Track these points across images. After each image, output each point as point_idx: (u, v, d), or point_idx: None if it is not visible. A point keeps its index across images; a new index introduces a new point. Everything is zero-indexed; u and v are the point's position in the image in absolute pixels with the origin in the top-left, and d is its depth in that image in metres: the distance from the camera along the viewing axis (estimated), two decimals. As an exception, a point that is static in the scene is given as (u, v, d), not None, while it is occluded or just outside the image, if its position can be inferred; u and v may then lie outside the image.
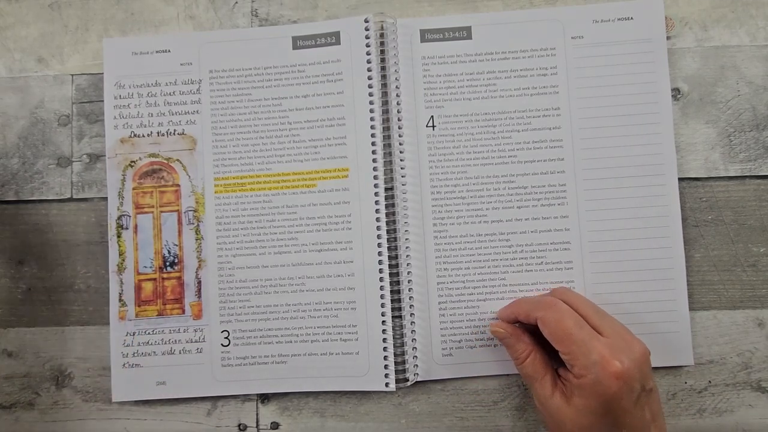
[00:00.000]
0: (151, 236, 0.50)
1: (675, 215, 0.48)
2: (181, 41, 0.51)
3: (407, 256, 0.48)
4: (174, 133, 0.50)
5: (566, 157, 0.49)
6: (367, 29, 0.50)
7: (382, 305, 0.48)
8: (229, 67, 0.51)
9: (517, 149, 0.49)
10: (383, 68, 0.50)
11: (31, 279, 0.50)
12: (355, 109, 0.50)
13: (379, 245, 0.48)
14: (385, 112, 0.50)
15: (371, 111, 0.50)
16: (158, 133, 0.50)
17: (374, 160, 0.49)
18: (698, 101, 0.50)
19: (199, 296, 0.49)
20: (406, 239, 0.48)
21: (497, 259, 0.49)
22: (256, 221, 0.49)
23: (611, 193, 0.49)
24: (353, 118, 0.50)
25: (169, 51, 0.51)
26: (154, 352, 0.49)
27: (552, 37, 0.50)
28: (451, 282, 0.48)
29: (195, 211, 0.50)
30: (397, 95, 0.50)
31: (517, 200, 0.49)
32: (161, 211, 0.50)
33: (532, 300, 0.45)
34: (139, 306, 0.49)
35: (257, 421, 0.49)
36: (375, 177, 0.49)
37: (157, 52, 0.51)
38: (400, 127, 0.49)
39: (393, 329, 0.48)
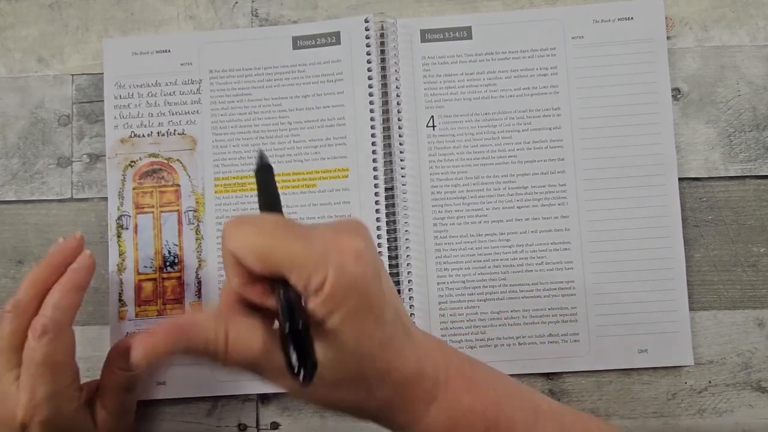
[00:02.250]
0: (151, 236, 0.50)
1: (675, 215, 0.48)
2: (181, 41, 0.51)
3: (407, 256, 0.48)
4: (174, 133, 0.50)
5: (566, 157, 0.49)
6: (367, 29, 0.50)
7: (382, 305, 0.48)
8: (229, 67, 0.51)
9: (517, 149, 0.49)
10: (383, 68, 0.50)
11: (31, 279, 0.50)
12: (355, 109, 0.50)
13: (379, 245, 0.48)
14: (385, 112, 0.50)
15: (371, 111, 0.50)
16: (158, 133, 0.50)
17: (374, 160, 0.49)
18: (698, 101, 0.50)
19: (200, 296, 0.49)
20: (406, 239, 0.48)
21: (497, 259, 0.49)
22: (256, 221, 0.49)
23: (611, 193, 0.49)
24: (353, 118, 0.50)
25: (169, 51, 0.51)
26: (154, 352, 0.49)
27: (552, 37, 0.50)
28: (451, 282, 0.48)
29: (195, 211, 0.50)
30: (397, 95, 0.50)
31: (517, 200, 0.49)
32: (161, 211, 0.50)
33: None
34: (139, 306, 0.49)
35: (257, 421, 0.49)
36: (375, 177, 0.49)
37: (157, 52, 0.51)
38: (400, 127, 0.49)
39: (393, 329, 0.48)
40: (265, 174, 0.34)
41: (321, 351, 0.29)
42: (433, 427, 0.32)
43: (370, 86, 0.50)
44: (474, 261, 0.49)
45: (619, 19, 0.50)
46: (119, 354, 0.42)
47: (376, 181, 0.49)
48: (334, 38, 0.50)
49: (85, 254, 0.41)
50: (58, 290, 0.38)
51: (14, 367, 0.37)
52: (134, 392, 0.43)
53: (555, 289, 0.48)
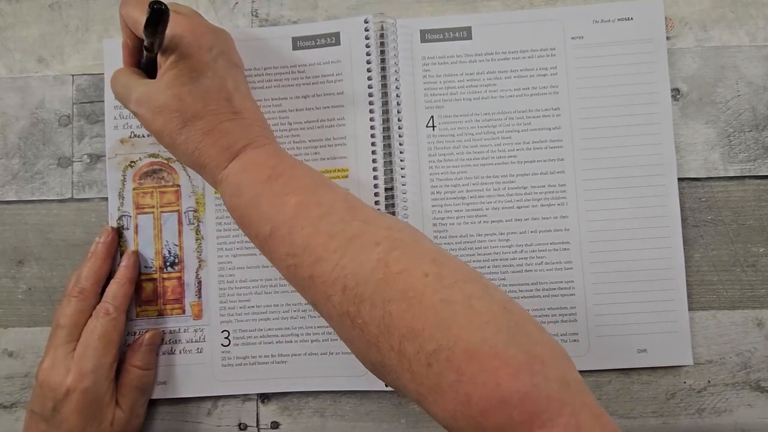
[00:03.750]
0: (151, 236, 0.50)
1: (675, 215, 0.48)
2: (182, 41, 0.51)
3: (407, 256, 0.48)
4: (174, 134, 0.50)
5: (566, 157, 0.49)
6: (366, 30, 0.50)
7: (382, 305, 0.48)
8: (229, 67, 0.51)
9: (517, 149, 0.49)
10: (383, 68, 0.50)
11: (31, 279, 0.50)
12: (355, 109, 0.50)
13: (379, 245, 0.48)
14: (385, 112, 0.50)
15: (371, 111, 0.50)
16: (158, 133, 0.50)
17: (374, 161, 0.49)
18: (698, 101, 0.50)
19: (200, 296, 0.49)
20: (406, 239, 0.48)
21: (497, 259, 0.49)
22: (256, 221, 0.49)
23: (611, 193, 0.49)
24: (353, 119, 0.50)
25: (169, 51, 0.51)
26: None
27: (552, 37, 0.50)
28: (451, 282, 0.48)
29: (195, 211, 0.50)
30: (397, 95, 0.50)
31: (517, 200, 0.49)
32: (161, 212, 0.50)
33: None
34: (139, 306, 0.49)
35: (257, 421, 0.49)
36: (375, 177, 0.49)
37: (157, 52, 0.51)
38: (400, 128, 0.50)
39: (393, 329, 0.48)
40: None
41: (157, 75, 0.43)
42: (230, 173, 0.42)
43: (370, 87, 0.50)
44: (474, 261, 0.49)
45: (619, 20, 0.50)
46: (134, 352, 0.47)
47: (376, 181, 0.49)
48: (333, 39, 0.50)
49: (130, 252, 0.49)
50: (116, 283, 0.47)
51: (73, 340, 0.45)
52: (147, 394, 0.48)
53: (554, 289, 0.48)
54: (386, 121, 0.50)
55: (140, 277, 0.49)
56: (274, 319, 0.49)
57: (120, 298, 0.47)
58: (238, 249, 0.49)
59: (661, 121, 0.49)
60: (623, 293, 0.48)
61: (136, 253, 0.49)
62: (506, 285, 0.48)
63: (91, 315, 0.46)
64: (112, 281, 0.48)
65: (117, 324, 0.46)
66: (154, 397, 0.49)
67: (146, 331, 0.48)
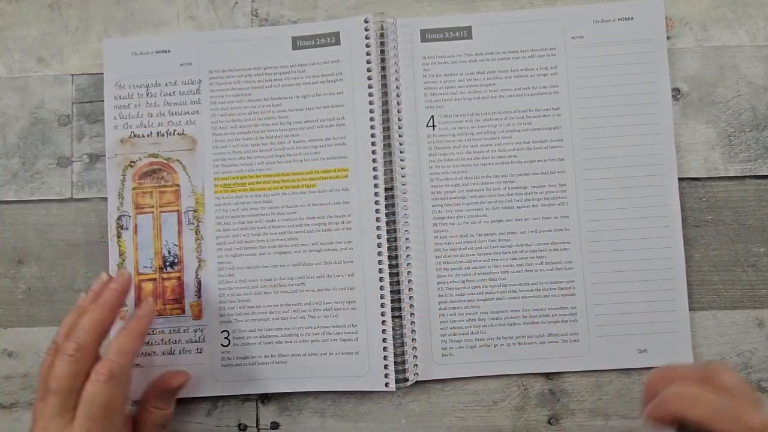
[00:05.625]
0: (151, 236, 0.50)
1: (675, 215, 0.48)
2: (181, 41, 0.51)
3: (407, 256, 0.48)
4: (174, 133, 0.50)
5: (566, 157, 0.49)
6: (367, 29, 0.50)
7: (382, 305, 0.48)
8: (229, 67, 0.51)
9: (517, 149, 0.49)
10: (383, 68, 0.50)
11: (31, 279, 0.50)
12: (354, 109, 0.50)
13: (379, 245, 0.48)
14: (385, 112, 0.50)
15: (371, 111, 0.50)
16: (158, 133, 0.50)
17: (374, 160, 0.49)
18: (698, 101, 0.50)
19: (199, 296, 0.49)
20: (406, 239, 0.48)
21: (497, 259, 0.49)
22: (255, 221, 0.49)
23: (611, 193, 0.49)
24: (353, 119, 0.50)
25: (169, 51, 0.51)
26: (154, 352, 0.49)
27: (552, 37, 0.50)
28: (451, 282, 0.48)
29: (195, 211, 0.50)
30: (397, 95, 0.50)
31: (517, 200, 0.49)
32: (161, 211, 0.50)
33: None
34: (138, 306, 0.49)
35: (257, 421, 0.49)
36: (375, 177, 0.49)
37: (157, 52, 0.51)
38: (400, 127, 0.49)
39: (393, 329, 0.48)
40: None
41: None
42: None
43: (370, 86, 0.50)
44: (474, 261, 0.49)
45: (619, 19, 0.50)
46: (155, 393, 0.44)
47: (375, 181, 0.49)
48: (333, 38, 0.50)
49: (149, 302, 0.43)
50: (125, 335, 0.40)
51: (68, 410, 0.37)
52: (167, 427, 0.45)
53: (555, 289, 0.48)
54: (386, 120, 0.50)
55: (139, 276, 0.49)
56: (273, 319, 0.49)
57: (128, 356, 0.39)
58: (237, 249, 0.49)
59: (662, 121, 0.49)
60: (623, 293, 0.48)
61: (153, 305, 0.43)
62: (506, 285, 0.48)
63: (88, 375, 0.38)
64: (121, 331, 0.40)
65: (124, 388, 0.39)
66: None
67: (170, 373, 0.44)
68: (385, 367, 0.48)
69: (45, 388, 0.38)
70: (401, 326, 0.48)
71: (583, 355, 0.48)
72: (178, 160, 0.50)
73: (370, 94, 0.50)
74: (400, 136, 0.49)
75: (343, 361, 0.48)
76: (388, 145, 0.50)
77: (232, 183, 0.50)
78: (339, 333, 0.48)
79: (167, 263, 0.49)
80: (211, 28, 0.52)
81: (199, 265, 0.49)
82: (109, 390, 0.38)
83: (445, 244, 0.49)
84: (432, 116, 0.50)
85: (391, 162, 0.49)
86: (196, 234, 0.50)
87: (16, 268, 0.50)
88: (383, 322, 0.48)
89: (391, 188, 0.49)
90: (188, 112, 0.50)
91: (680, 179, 0.49)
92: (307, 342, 0.48)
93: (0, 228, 0.51)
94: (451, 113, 0.50)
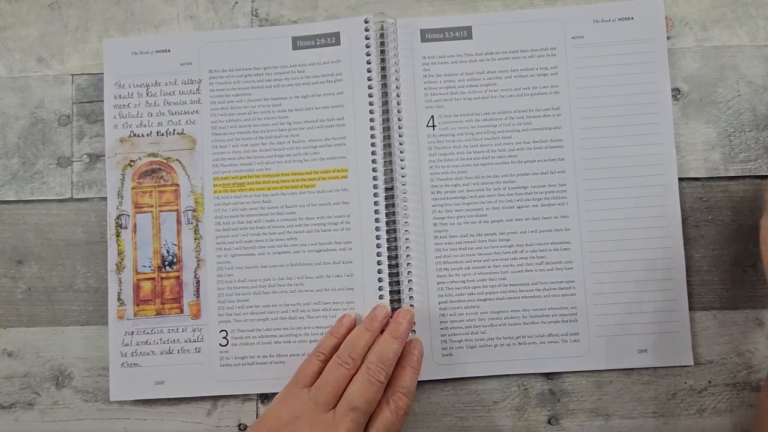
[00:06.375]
0: (150, 236, 0.50)
1: (675, 215, 0.48)
2: (181, 41, 0.51)
3: (407, 256, 0.48)
4: (173, 133, 0.50)
5: (566, 157, 0.49)
6: (367, 29, 0.50)
7: (382, 305, 0.48)
8: (229, 67, 0.51)
9: (517, 149, 0.49)
10: (383, 68, 0.50)
11: (31, 279, 0.50)
12: (354, 109, 0.50)
13: (379, 245, 0.48)
14: (385, 112, 0.50)
15: (371, 111, 0.49)
16: (158, 132, 0.50)
17: (374, 161, 0.49)
18: (698, 101, 0.50)
19: (198, 296, 0.49)
20: (406, 239, 0.48)
21: (497, 259, 0.49)
22: (255, 221, 0.49)
23: (611, 193, 0.49)
24: (353, 119, 0.50)
25: (169, 51, 0.51)
26: (153, 352, 0.49)
27: (552, 37, 0.50)
28: (451, 282, 0.48)
29: (194, 210, 0.50)
30: (397, 95, 0.50)
31: (517, 200, 0.49)
32: (160, 211, 0.50)
33: None
34: (137, 305, 0.49)
35: (257, 421, 0.49)
36: (375, 177, 0.49)
37: (157, 52, 0.51)
38: (400, 127, 0.49)
39: (392, 329, 0.48)
40: None
41: None
42: None
43: (370, 86, 0.50)
44: (474, 261, 0.49)
45: (619, 19, 0.50)
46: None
47: (375, 182, 0.49)
48: (333, 38, 0.50)
49: (419, 341, 0.46)
50: (414, 377, 0.44)
51: (330, 410, 0.42)
52: None
53: (555, 289, 0.48)
54: (386, 120, 0.50)
55: (138, 276, 0.49)
56: (272, 319, 0.49)
57: (413, 395, 0.44)
58: (236, 249, 0.49)
59: (662, 120, 0.49)
60: (623, 293, 0.48)
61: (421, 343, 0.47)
62: (506, 285, 0.48)
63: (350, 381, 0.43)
64: (410, 369, 0.44)
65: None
66: (153, 396, 0.49)
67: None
68: (385, 367, 0.48)
69: (331, 394, 0.42)
70: (401, 326, 0.48)
71: (583, 355, 0.48)
72: (177, 160, 0.50)
73: (370, 95, 0.50)
74: (400, 136, 0.49)
75: (343, 361, 0.48)
76: (388, 146, 0.50)
77: (231, 183, 0.50)
78: (338, 333, 0.48)
79: (166, 263, 0.49)
80: (211, 28, 0.52)
81: (198, 264, 0.49)
82: (401, 424, 0.43)
83: (445, 243, 0.49)
84: (432, 116, 0.50)
85: (391, 162, 0.49)
86: (195, 234, 0.50)
87: (16, 268, 0.50)
88: (383, 322, 0.48)
89: (391, 188, 0.49)
90: (188, 112, 0.50)
91: (680, 179, 0.49)
92: (306, 342, 0.48)
93: (0, 228, 0.51)
94: (451, 113, 0.50)
